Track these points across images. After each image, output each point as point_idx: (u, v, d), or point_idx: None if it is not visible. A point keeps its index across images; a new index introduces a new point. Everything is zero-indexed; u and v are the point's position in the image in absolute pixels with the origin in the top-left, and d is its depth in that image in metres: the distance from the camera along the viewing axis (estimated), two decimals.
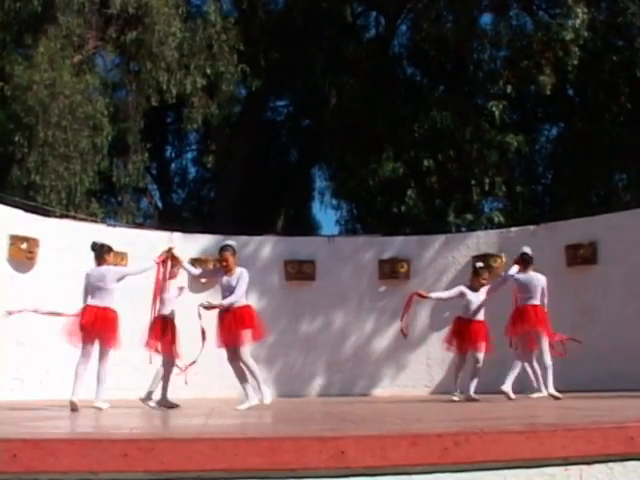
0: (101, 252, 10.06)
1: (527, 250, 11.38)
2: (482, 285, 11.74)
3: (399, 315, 15.72)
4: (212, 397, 13.56)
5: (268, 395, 9.39)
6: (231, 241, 9.77)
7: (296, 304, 15.96)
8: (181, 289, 11.00)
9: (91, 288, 9.77)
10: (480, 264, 12.70)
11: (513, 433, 3.91)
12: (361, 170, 20.78)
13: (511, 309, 11.23)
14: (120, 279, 9.93)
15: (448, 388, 12.65)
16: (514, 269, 11.30)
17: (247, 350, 9.26)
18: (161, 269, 10.23)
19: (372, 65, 22.09)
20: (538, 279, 11.12)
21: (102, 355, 9.77)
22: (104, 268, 9.90)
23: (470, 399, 11.13)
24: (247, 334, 9.23)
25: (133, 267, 10.47)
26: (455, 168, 20.20)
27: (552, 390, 10.49)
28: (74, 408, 9.19)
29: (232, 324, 9.13)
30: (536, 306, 11.00)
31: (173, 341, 10.44)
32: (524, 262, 11.25)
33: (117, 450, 3.58)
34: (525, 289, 11.09)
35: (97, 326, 9.63)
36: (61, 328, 9.79)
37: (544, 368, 10.76)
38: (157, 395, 10.54)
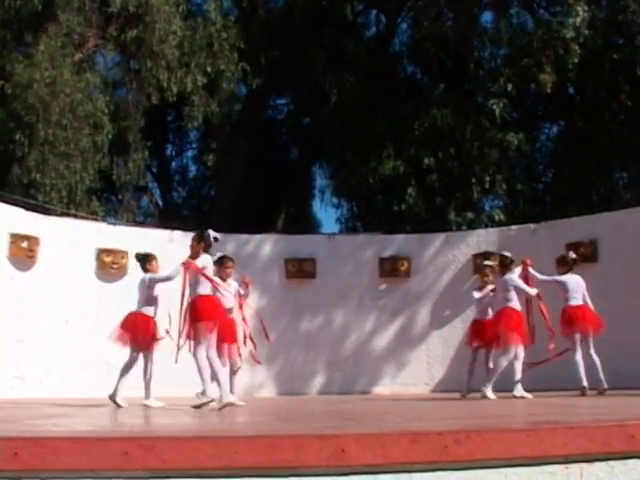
0: (144, 262, 10.60)
1: (572, 254, 12.03)
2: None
3: (399, 313, 15.85)
4: (212, 395, 13.54)
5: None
6: (210, 231, 9.29)
7: (296, 302, 15.97)
8: (246, 285, 11.26)
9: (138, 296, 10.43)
10: (507, 253, 12.45)
11: (514, 431, 3.91)
12: (361, 168, 20.76)
13: None
14: (153, 284, 10.35)
15: (449, 386, 12.66)
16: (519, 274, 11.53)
17: (199, 346, 8.60)
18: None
19: (372, 63, 22.06)
20: (580, 280, 11.78)
21: (145, 358, 10.41)
22: (142, 276, 10.43)
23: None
24: (200, 327, 8.63)
25: (164, 273, 10.31)
26: (455, 166, 20.18)
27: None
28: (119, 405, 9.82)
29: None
30: (583, 306, 11.66)
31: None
32: (568, 264, 11.81)
33: (118, 448, 3.58)
34: (573, 290, 11.64)
35: (128, 332, 10.26)
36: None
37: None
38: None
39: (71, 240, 14.47)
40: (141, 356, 10.37)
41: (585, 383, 11.03)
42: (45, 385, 13.41)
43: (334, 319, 16.13)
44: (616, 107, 20.62)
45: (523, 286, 11.34)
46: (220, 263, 10.51)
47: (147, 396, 10.39)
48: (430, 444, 3.68)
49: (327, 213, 64.52)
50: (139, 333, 10.18)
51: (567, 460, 3.73)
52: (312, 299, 16.02)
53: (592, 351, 11.44)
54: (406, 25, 25.32)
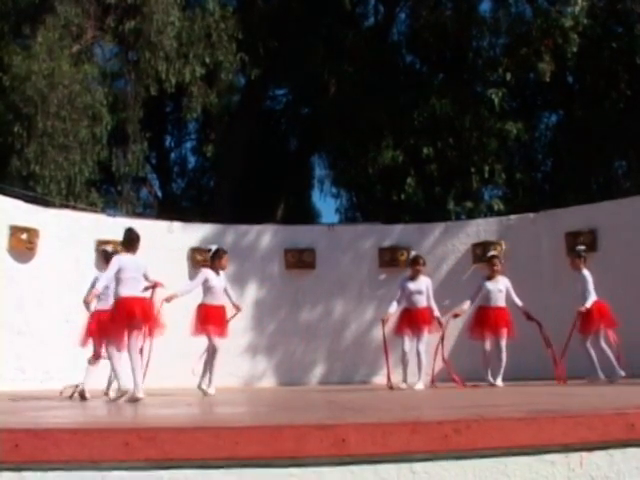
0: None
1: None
2: (496, 273, 12.33)
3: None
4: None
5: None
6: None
7: (296, 292, 15.98)
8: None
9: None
10: (492, 252, 13.31)
11: (513, 420, 3.92)
12: (361, 158, 20.76)
13: None
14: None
15: (448, 376, 12.71)
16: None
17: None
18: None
19: (371, 53, 22.04)
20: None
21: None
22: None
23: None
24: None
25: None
26: (455, 156, 20.18)
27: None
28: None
29: None
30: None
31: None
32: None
33: (118, 439, 3.58)
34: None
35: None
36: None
37: None
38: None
39: (71, 232, 14.48)
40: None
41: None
42: (46, 377, 13.43)
43: (334, 309, 16.15)
44: (615, 96, 20.59)
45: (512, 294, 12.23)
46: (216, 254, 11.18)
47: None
48: (430, 433, 3.68)
49: (326, 203, 64.67)
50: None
51: (567, 449, 3.74)
52: (312, 289, 16.04)
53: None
54: (405, 15, 25.35)
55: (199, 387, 10.87)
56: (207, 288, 10.97)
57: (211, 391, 10.76)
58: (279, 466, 3.57)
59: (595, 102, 20.64)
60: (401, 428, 3.70)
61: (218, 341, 10.84)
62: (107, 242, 14.32)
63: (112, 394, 10.17)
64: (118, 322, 9.21)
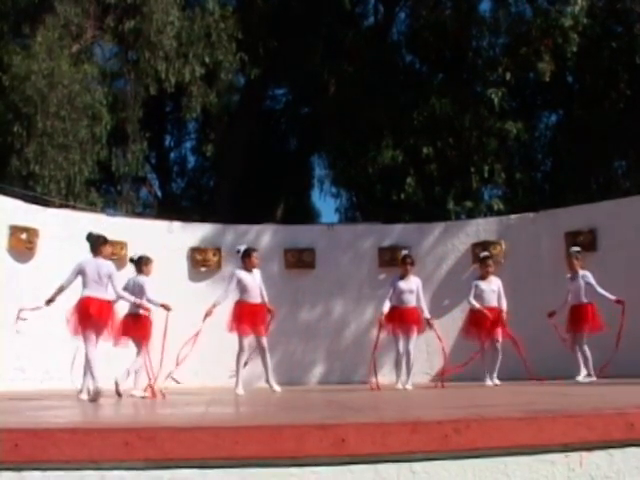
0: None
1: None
2: (489, 273, 12.40)
3: None
4: (212, 385, 13.58)
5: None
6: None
7: (296, 292, 15.97)
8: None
9: None
10: (485, 253, 13.24)
11: (513, 420, 3.91)
12: (360, 158, 20.76)
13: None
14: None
15: (448, 376, 12.72)
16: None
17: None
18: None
19: (371, 53, 22.06)
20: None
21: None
22: None
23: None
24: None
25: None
26: (454, 155, 20.19)
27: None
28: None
29: None
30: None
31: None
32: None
33: (118, 439, 3.58)
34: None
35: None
36: None
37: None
38: None
39: (70, 232, 14.45)
40: None
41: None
42: (46, 376, 13.42)
43: (333, 309, 16.14)
44: (615, 96, 20.60)
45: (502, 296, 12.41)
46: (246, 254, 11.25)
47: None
48: (430, 433, 3.68)
49: (326, 203, 64.76)
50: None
51: (567, 449, 3.74)
52: (311, 289, 16.03)
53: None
54: (404, 14, 25.39)
55: (267, 382, 11.65)
56: (242, 288, 11.09)
57: (239, 391, 11.04)
58: (279, 466, 3.57)
59: (595, 102, 20.64)
60: (401, 428, 3.70)
61: (247, 342, 11.03)
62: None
63: (133, 392, 10.33)
64: (75, 321, 9.46)
